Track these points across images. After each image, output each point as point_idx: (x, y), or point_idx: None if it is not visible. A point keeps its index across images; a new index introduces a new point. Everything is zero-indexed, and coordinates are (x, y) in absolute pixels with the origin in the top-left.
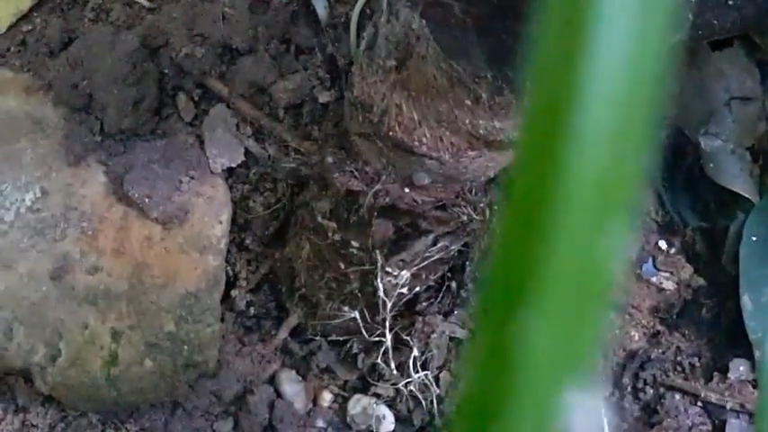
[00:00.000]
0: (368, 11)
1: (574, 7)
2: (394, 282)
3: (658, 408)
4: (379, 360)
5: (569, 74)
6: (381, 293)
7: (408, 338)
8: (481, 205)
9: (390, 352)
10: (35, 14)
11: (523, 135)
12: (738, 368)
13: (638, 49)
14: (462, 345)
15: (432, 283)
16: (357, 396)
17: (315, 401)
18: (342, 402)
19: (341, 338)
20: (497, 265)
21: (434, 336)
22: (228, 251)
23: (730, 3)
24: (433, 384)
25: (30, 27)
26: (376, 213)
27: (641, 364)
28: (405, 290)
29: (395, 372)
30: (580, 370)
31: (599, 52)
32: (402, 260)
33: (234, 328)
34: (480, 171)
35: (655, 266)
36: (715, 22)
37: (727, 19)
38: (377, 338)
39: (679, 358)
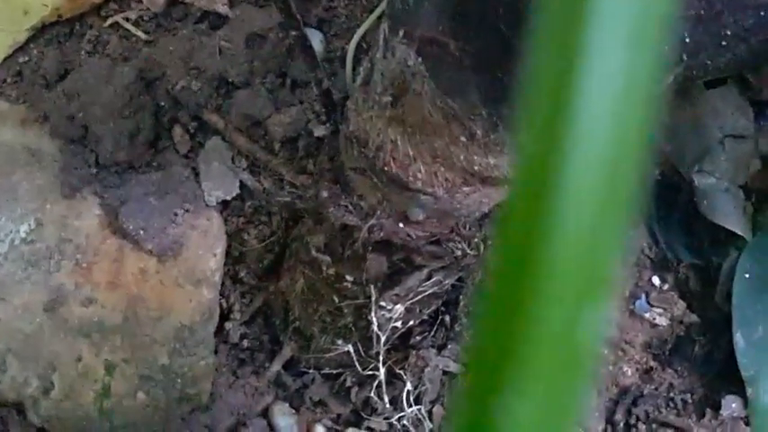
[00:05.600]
0: (363, 45)
1: (564, 58)
2: (388, 316)
3: None
4: (372, 394)
5: (554, 143)
6: (375, 327)
7: (402, 372)
8: (475, 240)
9: (384, 386)
10: (32, 46)
11: (507, 210)
12: (731, 405)
13: (627, 101)
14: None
15: (425, 318)
16: (350, 430)
17: None
18: None
19: (334, 372)
20: (481, 340)
21: (428, 370)
22: (222, 284)
23: (724, 44)
24: (427, 419)
25: (26, 58)
26: (370, 248)
27: (634, 400)
28: (398, 324)
29: (388, 406)
30: None
31: (584, 117)
32: (396, 294)
33: (227, 361)
34: (475, 206)
35: (648, 302)
36: (709, 62)
37: (721, 59)
38: (370, 372)
39: (672, 394)
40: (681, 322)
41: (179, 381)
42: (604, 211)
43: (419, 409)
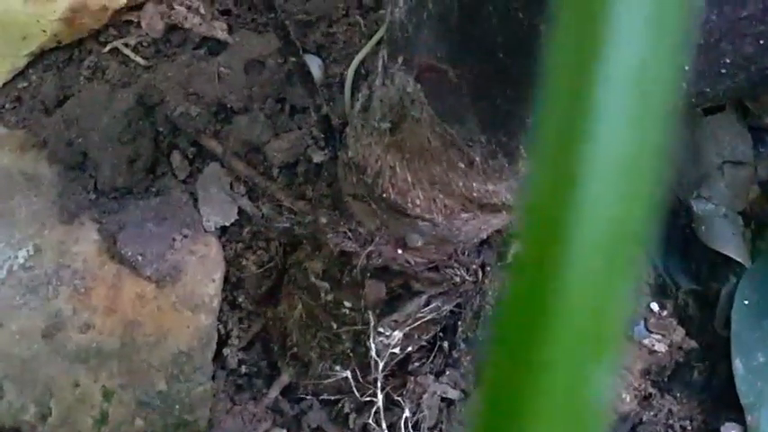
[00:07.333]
0: (362, 71)
1: (574, 107)
2: (386, 342)
3: None
4: (370, 420)
5: (564, 190)
6: (373, 353)
7: (400, 399)
8: (474, 266)
9: (382, 412)
10: (31, 71)
11: (515, 263)
12: None
13: (638, 141)
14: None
15: (424, 344)
16: None
17: None
18: None
19: (332, 398)
20: (488, 392)
21: (426, 396)
22: (221, 309)
23: (723, 72)
24: None
25: (25, 84)
26: (369, 274)
27: (633, 427)
28: (397, 350)
29: None
30: None
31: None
32: (394, 320)
33: (225, 387)
34: (473, 233)
35: (647, 328)
36: (708, 90)
37: (720, 87)
38: (368, 398)
39: (671, 421)
40: (680, 348)
41: (177, 407)
42: (613, 265)
43: None
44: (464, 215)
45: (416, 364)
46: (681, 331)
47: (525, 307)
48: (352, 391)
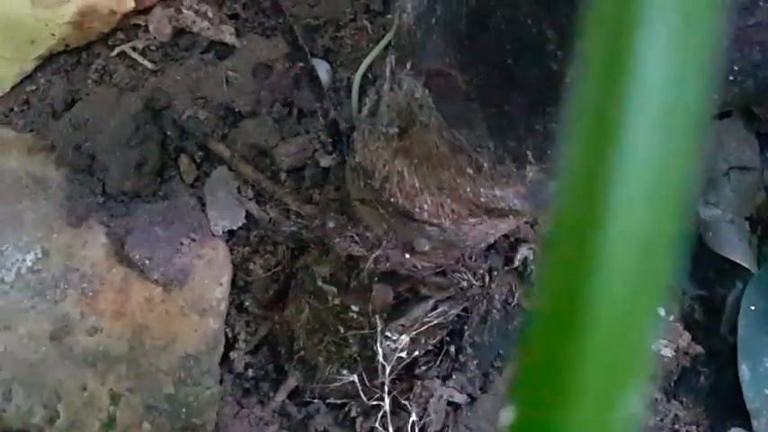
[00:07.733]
0: (370, 76)
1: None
2: (393, 346)
3: None
4: (377, 424)
5: (592, 211)
6: (380, 357)
7: (407, 403)
8: (481, 271)
9: (389, 416)
10: (39, 75)
11: (542, 288)
12: None
13: (667, 161)
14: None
15: (430, 348)
16: None
17: None
18: None
19: (339, 402)
20: (517, 422)
21: (433, 400)
22: (228, 313)
23: (731, 78)
24: None
25: (33, 87)
26: (376, 278)
27: None
28: (404, 354)
29: None
30: None
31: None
32: (401, 325)
33: (232, 390)
34: (480, 238)
35: None
36: (715, 96)
37: (728, 94)
38: (375, 402)
39: (677, 426)
40: (686, 353)
41: (184, 410)
42: (640, 295)
43: None
44: (472, 220)
45: (423, 368)
46: (687, 336)
47: (553, 328)
48: (359, 395)
